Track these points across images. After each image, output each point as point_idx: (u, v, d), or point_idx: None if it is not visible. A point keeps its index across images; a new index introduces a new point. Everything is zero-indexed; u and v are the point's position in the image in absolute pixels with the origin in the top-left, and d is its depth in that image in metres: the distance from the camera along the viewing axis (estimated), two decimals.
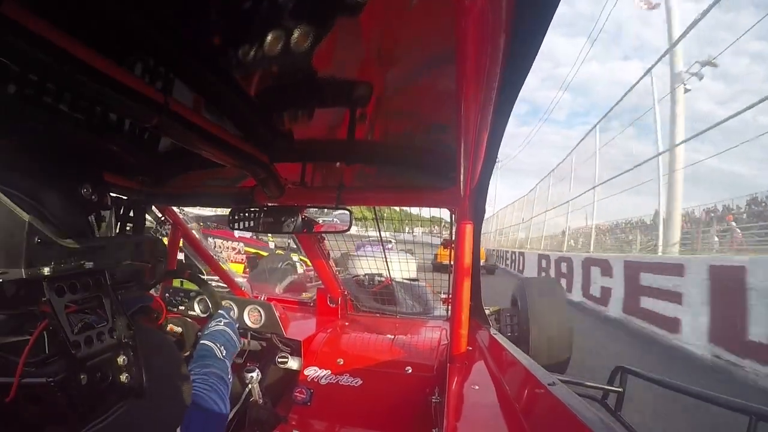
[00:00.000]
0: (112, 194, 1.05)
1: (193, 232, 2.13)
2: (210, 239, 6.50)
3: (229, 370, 1.05)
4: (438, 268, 3.68)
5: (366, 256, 2.93)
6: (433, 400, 1.41)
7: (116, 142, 1.01)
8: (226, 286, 2.33)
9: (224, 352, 1.07)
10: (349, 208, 1.40)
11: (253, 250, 7.56)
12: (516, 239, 19.86)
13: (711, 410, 1.14)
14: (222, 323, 1.16)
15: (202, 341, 1.08)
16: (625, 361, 1.78)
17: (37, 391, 0.56)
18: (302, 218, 1.37)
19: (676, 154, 6.86)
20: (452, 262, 1.42)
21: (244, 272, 6.18)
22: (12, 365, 0.55)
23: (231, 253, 6.98)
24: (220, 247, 6.77)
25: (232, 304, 1.66)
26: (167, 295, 1.50)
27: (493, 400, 1.08)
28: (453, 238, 1.45)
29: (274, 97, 0.96)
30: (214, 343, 1.07)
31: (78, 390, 0.58)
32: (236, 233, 6.97)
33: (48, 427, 0.59)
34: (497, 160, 1.20)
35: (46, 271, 0.58)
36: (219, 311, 1.23)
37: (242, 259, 7.11)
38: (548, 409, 0.95)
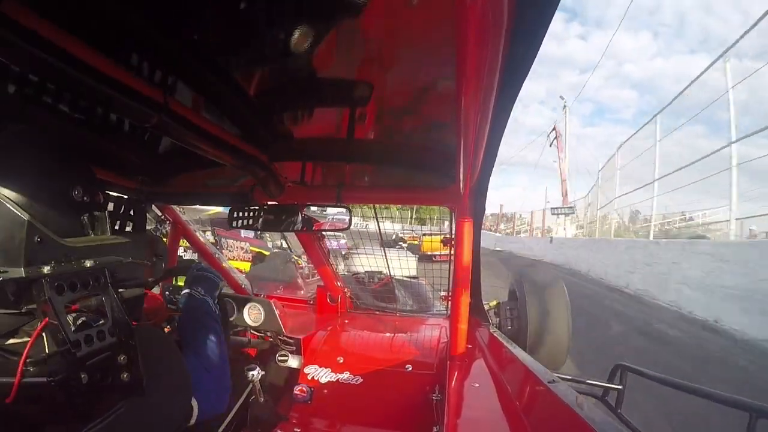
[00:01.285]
0: (112, 193, 1.06)
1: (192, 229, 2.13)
2: (223, 240, 7.09)
3: (212, 304, 1.11)
4: (423, 258, 3.79)
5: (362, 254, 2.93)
6: (434, 398, 1.41)
7: (116, 141, 1.01)
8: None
9: (202, 291, 1.12)
10: (348, 206, 1.41)
11: (256, 249, 7.85)
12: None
13: None
14: (194, 271, 1.21)
15: (182, 293, 1.14)
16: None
17: (37, 391, 0.56)
18: (302, 216, 1.36)
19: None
20: (452, 260, 1.43)
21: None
22: (12, 364, 0.55)
23: (240, 252, 7.42)
24: (232, 246, 7.26)
25: (233, 302, 1.67)
26: (167, 293, 1.50)
27: (493, 398, 1.08)
28: (453, 236, 1.45)
29: (274, 97, 0.96)
30: (190, 288, 1.12)
31: (78, 389, 0.58)
32: (241, 233, 7.40)
33: (48, 427, 0.59)
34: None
35: (46, 269, 0.58)
36: (190, 265, 1.27)
37: (249, 258, 7.47)
38: (548, 406, 0.95)
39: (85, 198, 0.69)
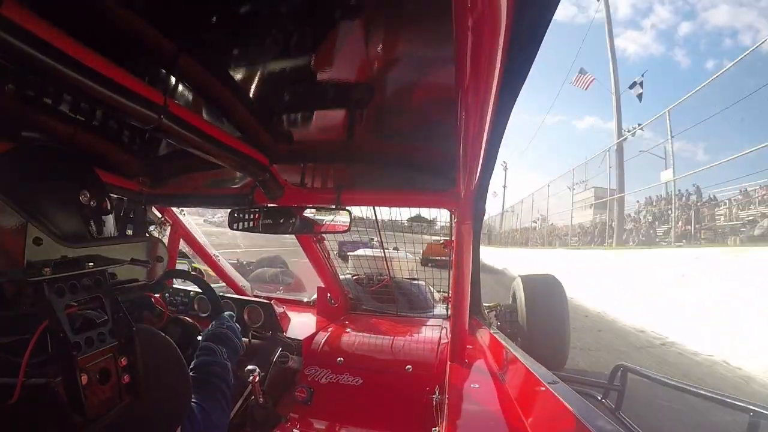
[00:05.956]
0: (112, 195, 1.05)
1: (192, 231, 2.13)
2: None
3: (231, 372, 1.05)
4: (426, 263, 3.85)
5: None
6: (434, 399, 1.41)
7: (116, 143, 1.01)
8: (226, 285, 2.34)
9: (225, 354, 1.07)
10: (349, 209, 1.41)
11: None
12: None
13: None
14: (224, 326, 1.15)
15: (203, 343, 1.07)
16: None
17: (37, 392, 0.56)
18: (301, 218, 1.37)
19: None
20: (452, 262, 1.43)
21: None
22: (13, 366, 0.55)
23: None
24: None
25: (232, 304, 1.67)
26: (167, 295, 1.50)
27: (493, 399, 1.08)
28: (453, 238, 1.45)
29: (274, 99, 0.96)
30: (216, 344, 1.06)
31: (78, 391, 0.58)
32: None
33: (48, 428, 0.59)
34: None
35: (46, 271, 0.58)
36: (221, 314, 1.22)
37: None
38: (548, 407, 0.95)
39: (92, 203, 0.70)
